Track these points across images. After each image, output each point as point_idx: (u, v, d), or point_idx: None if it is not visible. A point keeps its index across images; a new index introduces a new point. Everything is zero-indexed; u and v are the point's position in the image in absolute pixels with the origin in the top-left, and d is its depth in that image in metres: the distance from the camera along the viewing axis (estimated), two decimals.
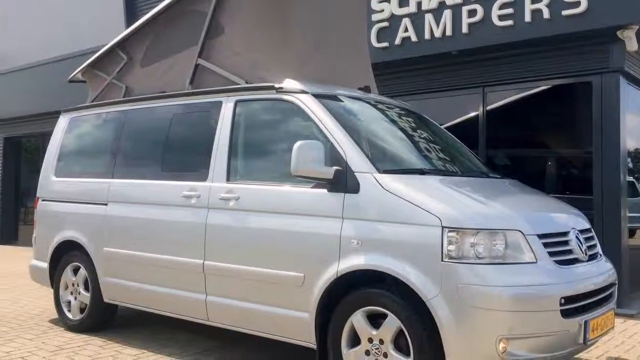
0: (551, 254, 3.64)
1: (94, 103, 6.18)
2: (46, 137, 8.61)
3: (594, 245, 4.21)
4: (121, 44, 5.98)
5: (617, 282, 4.23)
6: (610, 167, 7.00)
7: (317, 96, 4.35)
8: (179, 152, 5.13)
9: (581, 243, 3.95)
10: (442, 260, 3.47)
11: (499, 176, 4.87)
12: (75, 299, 5.76)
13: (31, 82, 14.18)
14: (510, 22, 7.30)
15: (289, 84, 4.48)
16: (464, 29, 7.63)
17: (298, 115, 4.36)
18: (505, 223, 3.59)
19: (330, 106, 4.30)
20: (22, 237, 15.06)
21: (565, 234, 3.88)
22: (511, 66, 7.68)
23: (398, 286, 3.63)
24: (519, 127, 8.18)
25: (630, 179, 7.68)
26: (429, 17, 7.91)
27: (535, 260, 3.55)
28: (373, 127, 4.69)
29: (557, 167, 8.08)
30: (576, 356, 4.39)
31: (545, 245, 3.64)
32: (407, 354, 3.58)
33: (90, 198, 5.63)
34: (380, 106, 4.98)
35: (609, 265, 4.22)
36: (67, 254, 5.85)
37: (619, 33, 6.82)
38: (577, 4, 6.84)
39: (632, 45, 6.87)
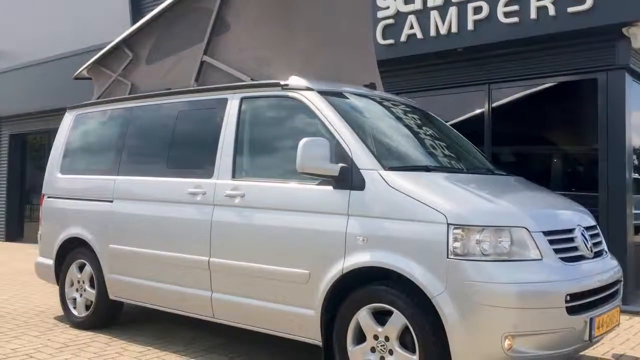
0: (557, 251, 3.64)
1: (100, 100, 6.20)
2: (52, 134, 8.62)
3: (600, 242, 4.20)
4: (127, 41, 5.99)
5: (622, 279, 4.22)
6: (616, 164, 6.99)
7: (322, 93, 4.35)
8: (184, 149, 5.13)
9: (586, 240, 3.94)
10: (448, 257, 3.47)
11: (504, 173, 4.86)
12: (81, 296, 5.78)
13: (36, 79, 14.20)
14: (515, 19, 7.29)
15: (295, 80, 4.48)
16: (470, 26, 7.62)
17: (303, 112, 4.36)
18: (511, 220, 3.58)
19: (335, 103, 4.30)
20: (27, 234, 15.11)
21: (570, 231, 3.87)
22: (516, 63, 7.67)
23: (403, 283, 3.63)
24: (525, 124, 8.16)
25: (636, 175, 7.66)
26: (434, 14, 7.90)
27: (540, 257, 3.54)
28: (378, 124, 4.68)
29: (562, 164, 8.07)
30: (581, 353, 4.38)
31: (551, 242, 3.64)
32: (413, 351, 3.58)
33: (95, 195, 5.64)
34: (385, 103, 4.97)
35: (614, 262, 4.21)
36: (72, 251, 5.87)
37: (624, 30, 6.81)
38: (583, 1, 6.82)
39: (637, 42, 6.88)
